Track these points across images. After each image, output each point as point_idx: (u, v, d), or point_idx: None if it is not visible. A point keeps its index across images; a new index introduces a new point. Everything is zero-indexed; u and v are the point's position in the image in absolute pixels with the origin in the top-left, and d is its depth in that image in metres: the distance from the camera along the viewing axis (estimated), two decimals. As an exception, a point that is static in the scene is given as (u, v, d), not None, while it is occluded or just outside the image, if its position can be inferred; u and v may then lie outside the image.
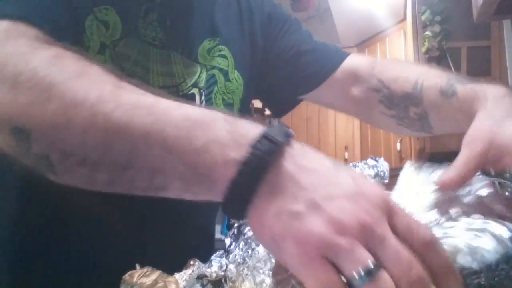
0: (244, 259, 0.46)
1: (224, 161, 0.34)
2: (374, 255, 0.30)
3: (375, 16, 3.36)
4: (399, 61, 0.75)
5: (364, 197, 0.31)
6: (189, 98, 0.68)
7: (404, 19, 3.21)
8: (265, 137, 0.33)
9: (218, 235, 3.86)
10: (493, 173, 0.50)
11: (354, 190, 0.32)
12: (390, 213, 0.31)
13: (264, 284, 0.42)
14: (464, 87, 0.58)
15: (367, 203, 0.31)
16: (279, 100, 0.86)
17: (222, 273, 0.48)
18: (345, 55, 0.79)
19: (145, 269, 0.43)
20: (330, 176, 0.33)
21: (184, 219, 0.67)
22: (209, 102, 0.70)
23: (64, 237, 0.62)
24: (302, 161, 0.33)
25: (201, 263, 0.50)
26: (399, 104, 0.69)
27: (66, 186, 0.44)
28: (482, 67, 2.35)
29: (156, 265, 0.44)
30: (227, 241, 0.55)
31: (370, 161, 0.67)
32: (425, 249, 0.31)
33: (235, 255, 0.48)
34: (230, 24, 0.75)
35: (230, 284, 0.47)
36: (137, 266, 0.43)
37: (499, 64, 2.32)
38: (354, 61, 0.78)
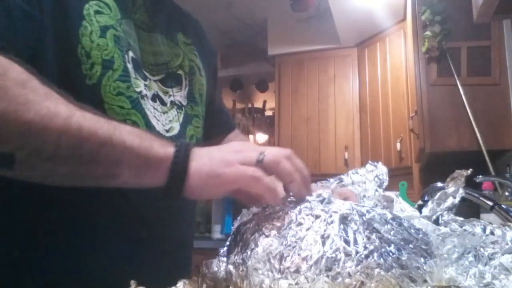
0: (243, 260, 0.46)
1: (165, 152, 0.55)
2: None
3: (375, 16, 3.36)
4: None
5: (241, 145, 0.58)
6: (177, 78, 0.80)
7: (404, 19, 3.21)
8: (177, 141, 0.57)
9: (218, 235, 3.82)
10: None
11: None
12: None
13: (263, 285, 0.42)
14: None
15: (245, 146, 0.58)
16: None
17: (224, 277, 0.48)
18: (234, 126, 1.03)
19: None
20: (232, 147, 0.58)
21: (164, 234, 0.72)
22: (191, 87, 0.82)
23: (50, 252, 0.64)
24: (203, 148, 0.57)
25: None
26: None
27: (52, 203, 0.61)
28: (482, 67, 2.34)
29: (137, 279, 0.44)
30: (227, 241, 0.55)
31: (369, 167, 0.73)
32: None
33: (235, 255, 0.48)
34: (195, 38, 0.89)
35: (231, 286, 0.46)
36: (132, 283, 0.43)
37: (499, 64, 2.31)
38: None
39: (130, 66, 0.68)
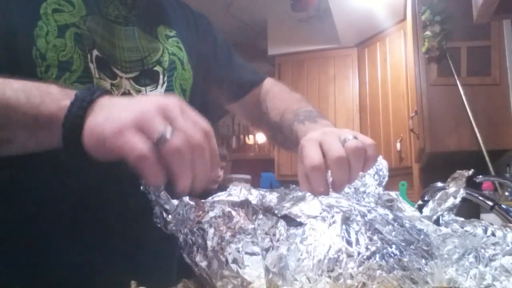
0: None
1: (58, 108, 0.47)
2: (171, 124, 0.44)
3: (375, 16, 3.36)
4: (285, 91, 0.95)
5: (156, 101, 0.46)
6: (153, 75, 0.75)
7: (404, 19, 3.21)
8: (88, 88, 0.49)
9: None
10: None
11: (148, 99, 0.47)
12: (182, 108, 0.46)
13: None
14: (300, 127, 0.78)
15: (159, 102, 0.45)
16: (211, 108, 0.98)
17: None
18: (265, 76, 0.99)
19: None
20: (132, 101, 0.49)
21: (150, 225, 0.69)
22: (170, 83, 0.77)
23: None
24: (112, 100, 0.48)
25: None
26: (273, 129, 0.91)
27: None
28: (482, 67, 2.35)
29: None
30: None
31: None
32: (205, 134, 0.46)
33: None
34: (181, 27, 0.84)
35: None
36: (132, 283, 0.43)
37: (499, 64, 2.32)
38: (265, 83, 0.97)
39: (93, 66, 0.65)
